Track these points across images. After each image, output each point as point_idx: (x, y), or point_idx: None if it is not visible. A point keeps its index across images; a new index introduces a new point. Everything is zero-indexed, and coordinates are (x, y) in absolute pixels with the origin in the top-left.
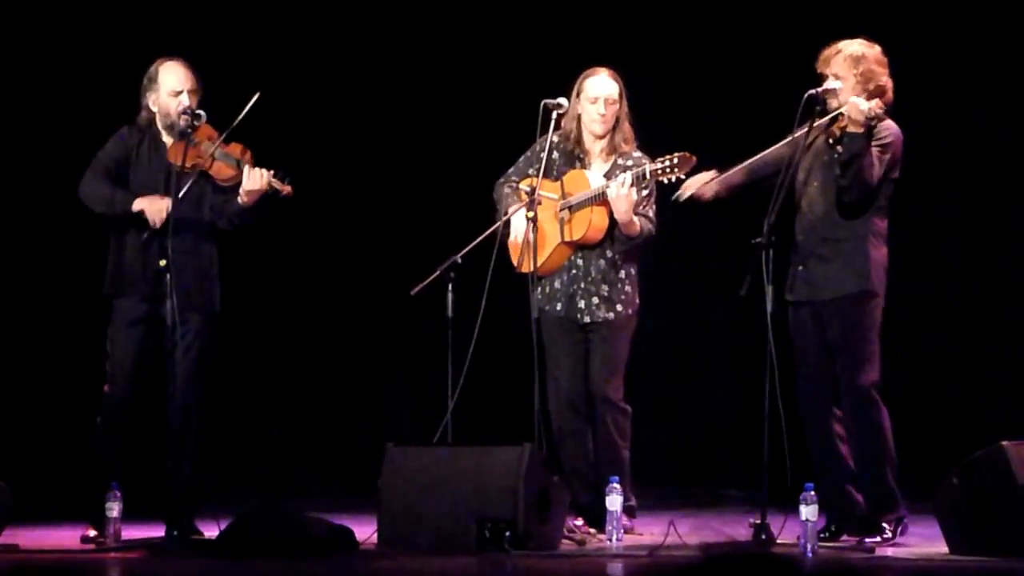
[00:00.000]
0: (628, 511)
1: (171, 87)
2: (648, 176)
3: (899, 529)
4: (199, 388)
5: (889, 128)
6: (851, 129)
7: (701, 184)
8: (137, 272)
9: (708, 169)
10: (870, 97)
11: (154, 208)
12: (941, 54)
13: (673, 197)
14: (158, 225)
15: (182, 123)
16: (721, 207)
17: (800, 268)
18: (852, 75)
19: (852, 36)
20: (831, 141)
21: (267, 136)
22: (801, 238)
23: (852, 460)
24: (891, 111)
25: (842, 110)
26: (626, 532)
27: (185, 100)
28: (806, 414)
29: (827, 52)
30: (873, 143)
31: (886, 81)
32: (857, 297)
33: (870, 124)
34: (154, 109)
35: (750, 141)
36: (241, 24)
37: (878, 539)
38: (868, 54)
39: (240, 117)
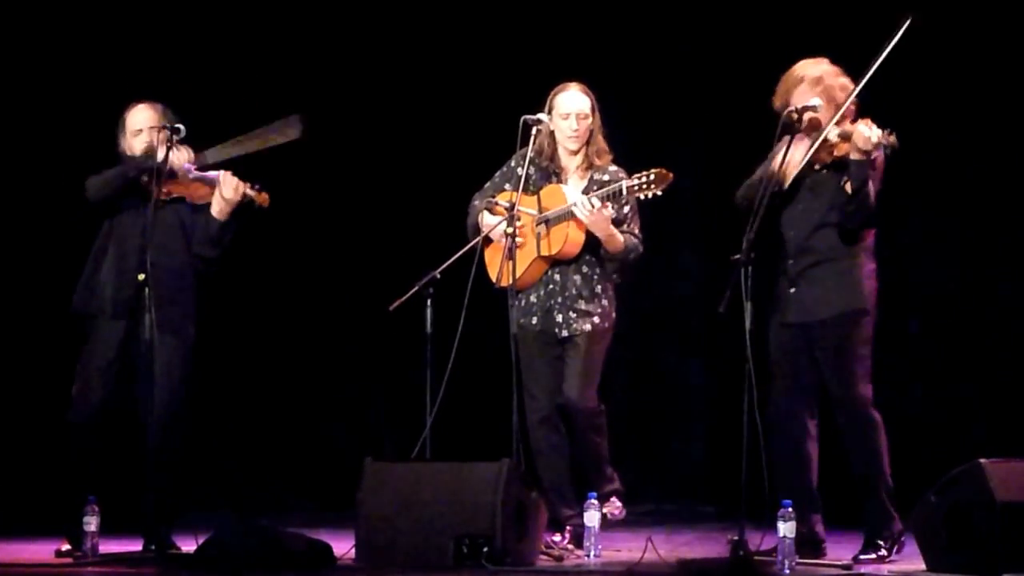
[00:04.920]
0: (616, 495)
1: (133, 127)
2: (624, 193)
3: (895, 547)
4: (177, 405)
5: None
6: (854, 156)
7: None
8: (115, 288)
9: (683, 185)
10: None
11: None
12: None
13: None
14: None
15: (160, 143)
16: (700, 223)
17: (792, 290)
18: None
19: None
20: (817, 166)
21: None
22: (791, 261)
23: (854, 470)
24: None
25: (827, 134)
26: (611, 517)
27: (146, 137)
28: (779, 430)
29: (788, 82)
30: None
31: (845, 96)
32: (851, 315)
33: (881, 152)
34: (128, 154)
35: (726, 156)
36: (218, 61)
37: (872, 556)
38: (823, 73)
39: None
